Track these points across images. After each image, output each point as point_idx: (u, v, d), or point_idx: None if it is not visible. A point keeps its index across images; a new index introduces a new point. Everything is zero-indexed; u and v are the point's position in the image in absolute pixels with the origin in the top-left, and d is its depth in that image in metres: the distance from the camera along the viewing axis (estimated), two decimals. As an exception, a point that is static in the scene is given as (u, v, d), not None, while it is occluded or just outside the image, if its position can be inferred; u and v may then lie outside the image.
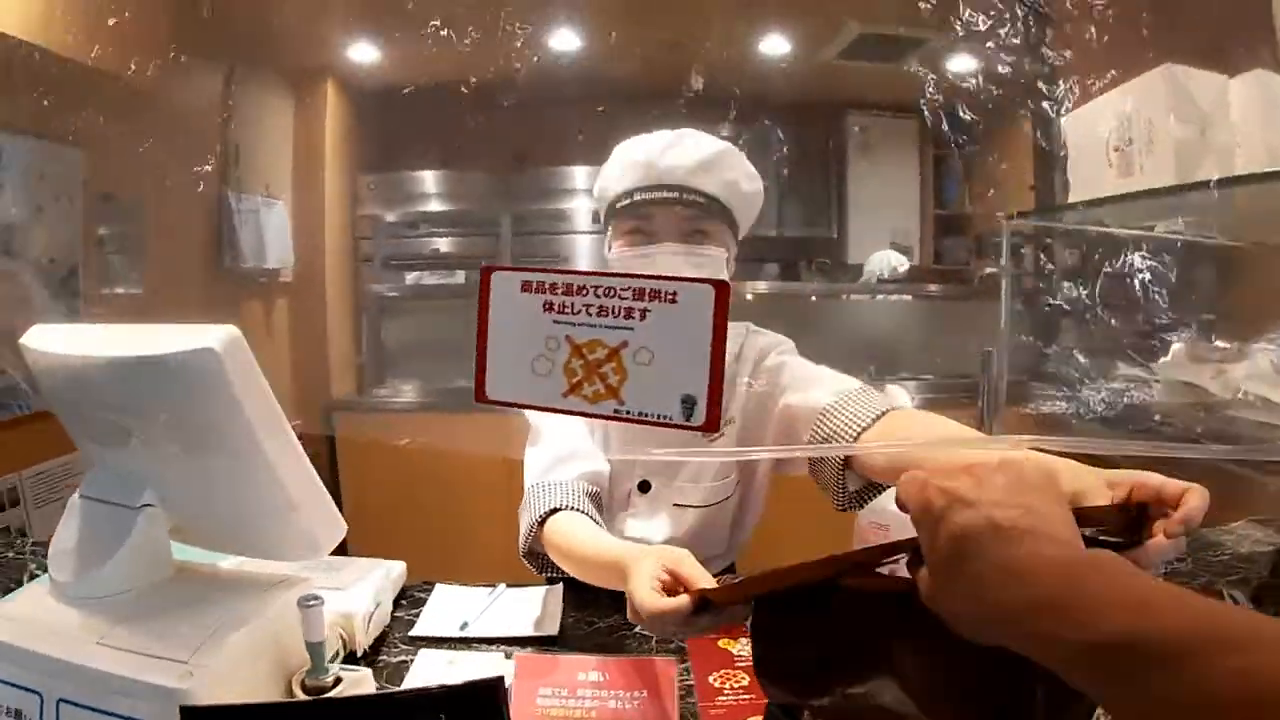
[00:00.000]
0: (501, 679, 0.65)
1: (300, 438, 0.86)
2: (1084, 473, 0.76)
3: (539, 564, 1.29)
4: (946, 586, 0.52)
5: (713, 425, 0.61)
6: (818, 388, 1.24)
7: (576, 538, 1.17)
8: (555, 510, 1.22)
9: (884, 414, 1.14)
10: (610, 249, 1.31)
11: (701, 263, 1.23)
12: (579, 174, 3.53)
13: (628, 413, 0.63)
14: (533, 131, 3.23)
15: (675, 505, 1.36)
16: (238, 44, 2.75)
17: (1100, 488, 0.72)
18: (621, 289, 0.62)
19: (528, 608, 1.25)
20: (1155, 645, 0.41)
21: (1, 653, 0.78)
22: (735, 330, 1.38)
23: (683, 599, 0.80)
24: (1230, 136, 1.24)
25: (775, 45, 3.63)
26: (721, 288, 0.60)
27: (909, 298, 3.79)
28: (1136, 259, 1.38)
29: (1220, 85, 1.24)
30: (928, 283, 3.81)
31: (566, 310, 0.64)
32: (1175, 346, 1.38)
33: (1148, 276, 1.34)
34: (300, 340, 3.31)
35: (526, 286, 0.65)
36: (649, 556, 0.92)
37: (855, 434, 1.14)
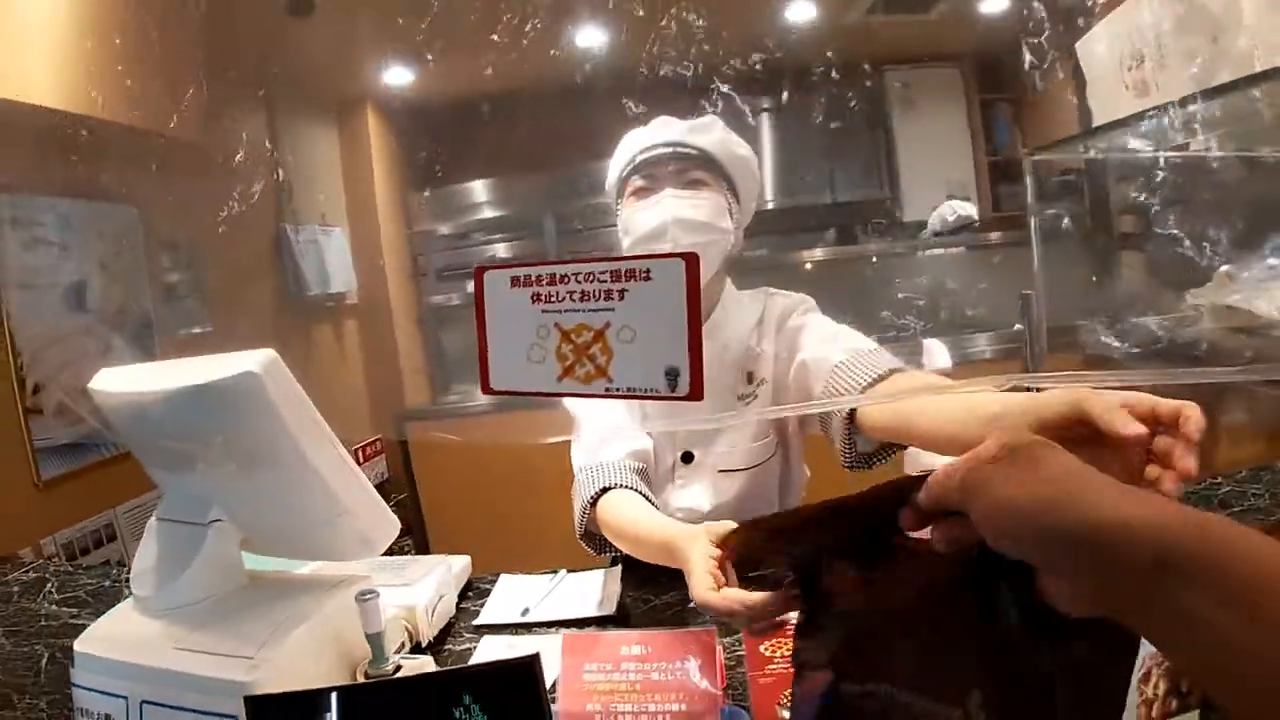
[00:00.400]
0: (536, 656, 0.69)
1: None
2: None
3: (596, 545, 1.34)
4: (1005, 469, 0.50)
5: (697, 394, 0.64)
6: (832, 345, 1.27)
7: (628, 517, 1.22)
8: (606, 489, 1.27)
9: (889, 374, 1.17)
10: (620, 214, 1.39)
11: (700, 204, 1.30)
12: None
13: (618, 390, 0.66)
14: (570, 129, 3.28)
15: (720, 471, 1.40)
16: (275, 83, 2.87)
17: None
18: (599, 273, 0.65)
19: (587, 590, 1.29)
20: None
21: (93, 666, 0.86)
22: (754, 296, 1.44)
23: (734, 596, 0.86)
24: (1248, 40, 1.20)
25: (801, 11, 3.61)
26: (691, 259, 0.63)
27: (962, 250, 3.70)
28: (1172, 181, 1.36)
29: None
30: (988, 232, 3.72)
31: (553, 299, 0.68)
32: (1221, 269, 1.34)
33: (1175, 198, 1.32)
34: (371, 358, 3.45)
35: (515, 281, 0.69)
36: (698, 541, 0.98)
37: (858, 391, 1.18)
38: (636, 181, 1.35)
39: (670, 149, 1.33)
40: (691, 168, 1.32)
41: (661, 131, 1.35)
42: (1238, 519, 1.28)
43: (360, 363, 3.44)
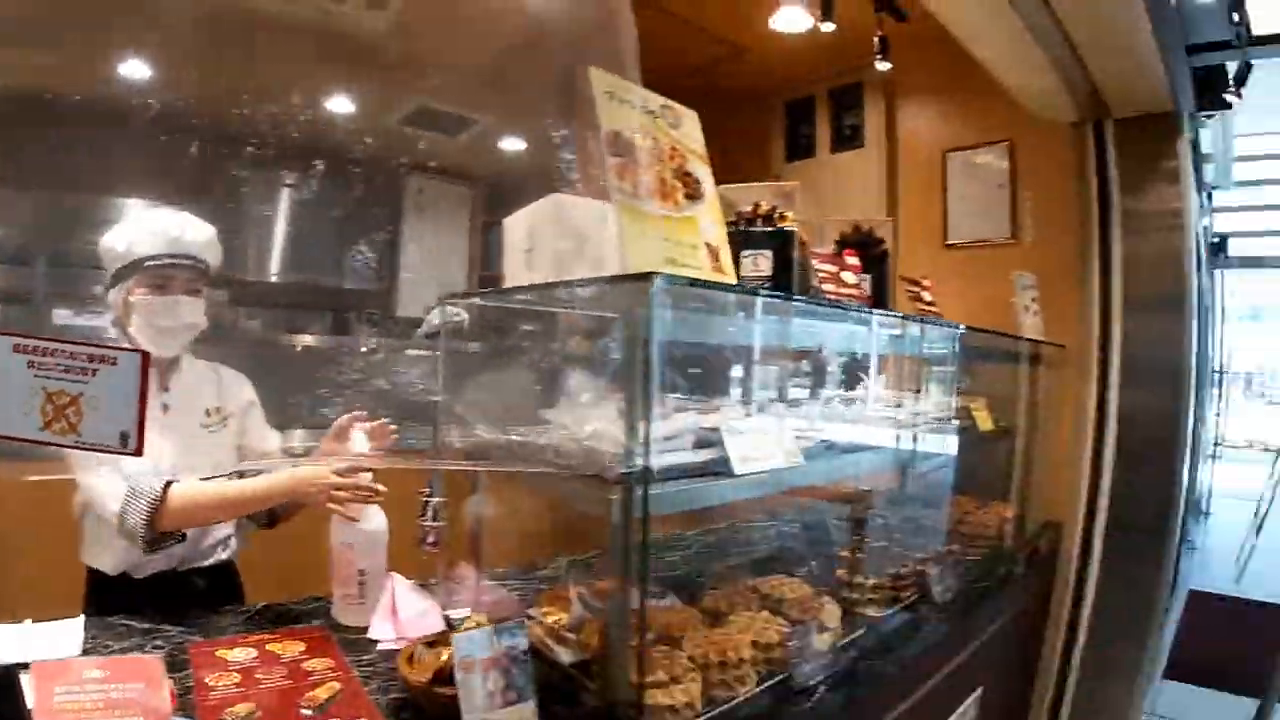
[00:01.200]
0: (14, 666, 0.89)
1: None
2: None
3: (150, 545, 1.63)
4: None
5: (139, 452, 0.95)
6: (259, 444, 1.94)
7: (214, 486, 1.68)
8: (169, 484, 1.61)
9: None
10: (131, 294, 1.74)
11: (198, 309, 1.80)
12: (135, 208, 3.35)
13: (85, 442, 0.94)
14: (90, 159, 3.19)
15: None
16: None
17: None
18: (79, 353, 0.94)
19: (50, 637, 1.46)
20: None
21: None
22: (210, 365, 1.94)
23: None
24: (606, 250, 1.79)
25: (342, 105, 3.92)
26: (145, 355, 0.95)
27: (431, 352, 4.06)
28: (537, 329, 1.96)
29: (600, 210, 1.71)
30: (466, 340, 4.20)
31: (44, 368, 0.94)
32: (579, 398, 1.93)
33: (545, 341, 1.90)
34: None
35: (17, 348, 0.95)
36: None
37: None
38: (154, 277, 1.73)
39: (190, 262, 1.76)
40: (198, 278, 1.79)
41: (190, 241, 1.76)
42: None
43: None
